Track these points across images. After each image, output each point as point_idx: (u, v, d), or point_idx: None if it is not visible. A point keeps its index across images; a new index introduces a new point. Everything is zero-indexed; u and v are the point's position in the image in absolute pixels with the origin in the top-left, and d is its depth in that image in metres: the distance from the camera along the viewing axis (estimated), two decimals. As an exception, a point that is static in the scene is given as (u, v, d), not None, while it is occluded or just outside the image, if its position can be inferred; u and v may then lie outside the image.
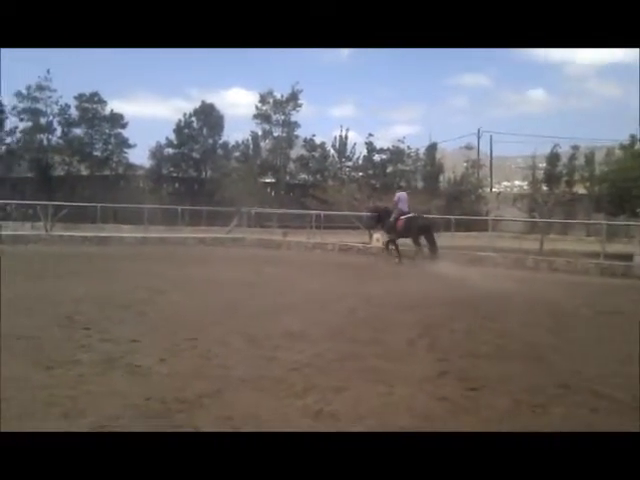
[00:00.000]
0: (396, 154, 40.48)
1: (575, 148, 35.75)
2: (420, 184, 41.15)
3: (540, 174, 34.00)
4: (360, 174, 40.66)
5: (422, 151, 41.11)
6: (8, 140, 34.92)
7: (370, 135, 40.96)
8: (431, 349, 4.77)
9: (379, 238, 18.77)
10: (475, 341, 5.15)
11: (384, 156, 41.00)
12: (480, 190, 38.84)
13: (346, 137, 40.66)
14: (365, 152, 40.96)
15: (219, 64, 58.37)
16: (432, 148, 41.08)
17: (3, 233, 16.80)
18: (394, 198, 15.09)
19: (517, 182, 49.60)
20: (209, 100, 38.97)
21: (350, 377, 3.73)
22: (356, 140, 42.36)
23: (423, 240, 14.23)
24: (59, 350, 4.16)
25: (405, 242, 14.62)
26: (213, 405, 3.13)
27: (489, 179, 43.09)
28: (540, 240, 17.70)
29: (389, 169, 40.83)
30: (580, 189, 34.13)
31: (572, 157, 35.58)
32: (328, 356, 4.26)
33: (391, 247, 14.71)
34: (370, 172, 40.65)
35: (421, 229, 14.31)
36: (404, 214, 14.42)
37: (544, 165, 35.51)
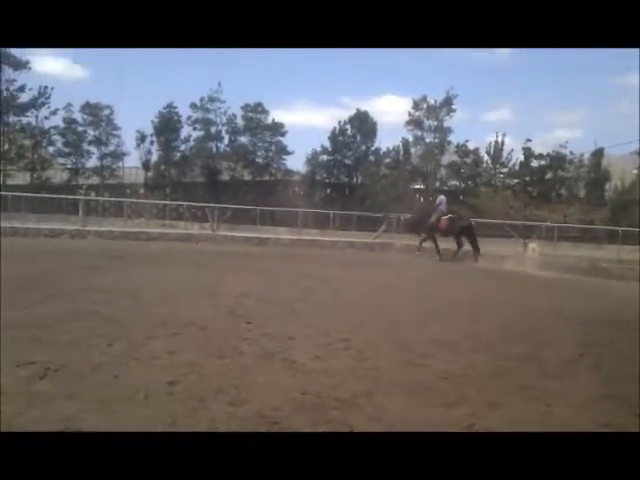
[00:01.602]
0: (557, 160, 37.91)
1: None
2: (582, 192, 38.14)
3: None
4: (515, 181, 38.74)
5: (586, 157, 38.01)
6: (182, 147, 38.92)
7: (528, 140, 38.89)
8: (594, 369, 4.40)
9: (535, 248, 17.77)
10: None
11: (543, 162, 38.62)
12: (653, 200, 34.82)
13: (502, 142, 39.09)
14: (522, 158, 38.95)
15: (372, 72, 59.14)
16: (598, 154, 37.78)
17: (176, 231, 18.74)
18: (436, 201, 17.03)
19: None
20: (362, 108, 39.77)
21: (505, 393, 3.58)
22: (512, 145, 40.58)
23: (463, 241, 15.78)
24: (226, 341, 4.52)
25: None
26: (365, 405, 3.20)
27: (664, 188, 38.46)
28: None
29: (548, 175, 38.33)
30: None
31: None
32: (481, 369, 4.12)
33: (424, 245, 16.48)
34: (527, 179, 38.54)
35: (463, 229, 15.72)
36: (444, 215, 16.06)
37: None
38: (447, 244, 16.80)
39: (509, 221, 20.57)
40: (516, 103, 58.99)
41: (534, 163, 38.84)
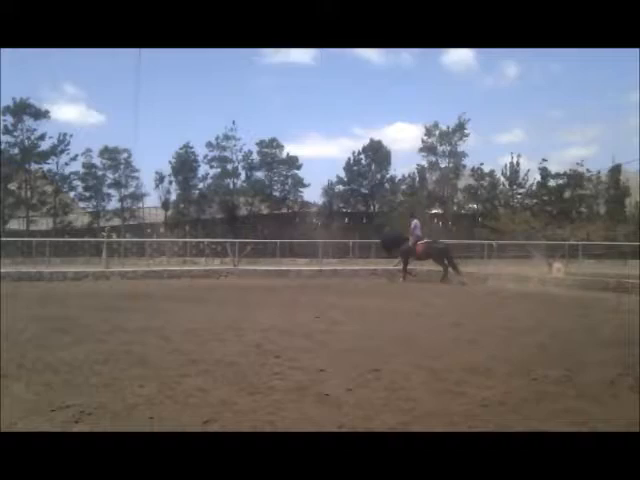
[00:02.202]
0: (574, 178, 37.68)
1: None
2: (602, 209, 37.73)
3: None
4: (534, 201, 38.49)
5: (604, 173, 37.73)
6: (200, 186, 39.49)
7: (544, 160, 38.78)
8: (636, 390, 4.26)
9: (560, 268, 17.50)
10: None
11: (560, 181, 38.42)
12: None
13: (517, 163, 38.98)
14: (539, 178, 38.81)
15: (381, 101, 59.94)
16: (615, 170, 37.50)
17: (198, 268, 18.91)
18: (411, 225, 17.03)
19: None
20: (373, 137, 40.19)
21: (547, 418, 3.47)
22: (527, 166, 40.45)
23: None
24: (256, 376, 4.48)
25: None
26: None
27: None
28: None
29: (566, 194, 38.05)
30: None
31: None
32: (520, 395, 4.01)
33: (401, 267, 16.96)
34: (545, 198, 38.30)
35: (441, 252, 16.32)
36: (420, 239, 16.60)
37: None
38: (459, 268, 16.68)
39: (531, 241, 20.35)
40: (528, 124, 59.06)
41: (551, 182, 38.64)
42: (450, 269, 16.26)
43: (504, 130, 67.86)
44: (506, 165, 39.19)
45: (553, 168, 38.92)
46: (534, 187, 38.94)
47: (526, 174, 38.90)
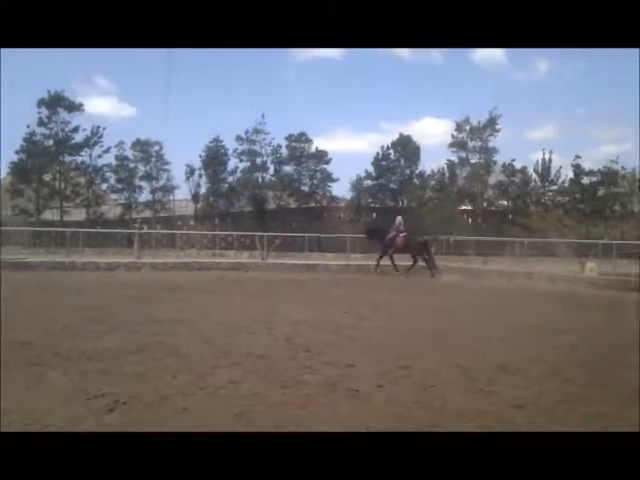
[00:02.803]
0: (608, 176, 36.70)
1: None
2: (637, 207, 36.73)
3: None
4: (567, 199, 37.69)
5: (638, 171, 36.70)
6: (230, 179, 39.80)
7: (577, 157, 37.82)
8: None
9: (593, 268, 17.13)
10: None
11: (594, 178, 37.50)
12: None
13: (549, 160, 38.18)
14: (571, 175, 37.93)
15: (408, 95, 59.20)
16: (649, 168, 36.44)
17: (227, 261, 19.10)
18: (395, 222, 18.10)
19: None
20: (401, 132, 39.85)
21: (580, 423, 3.41)
22: (559, 163, 39.57)
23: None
24: (287, 370, 4.51)
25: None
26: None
27: None
28: None
29: (600, 192, 37.14)
30: None
31: None
32: (553, 397, 3.95)
33: (381, 262, 17.41)
34: (578, 196, 37.46)
35: (421, 246, 17.18)
36: (402, 232, 17.55)
37: None
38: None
39: (563, 240, 19.97)
40: (560, 120, 57.64)
41: (585, 180, 37.78)
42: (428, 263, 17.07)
43: (536, 126, 66.40)
44: (538, 161, 38.48)
45: (587, 165, 38.04)
46: (566, 184, 38.13)
47: (558, 171, 38.14)
